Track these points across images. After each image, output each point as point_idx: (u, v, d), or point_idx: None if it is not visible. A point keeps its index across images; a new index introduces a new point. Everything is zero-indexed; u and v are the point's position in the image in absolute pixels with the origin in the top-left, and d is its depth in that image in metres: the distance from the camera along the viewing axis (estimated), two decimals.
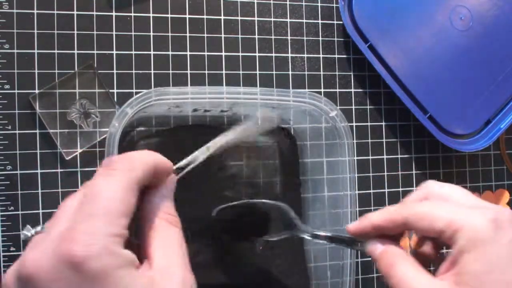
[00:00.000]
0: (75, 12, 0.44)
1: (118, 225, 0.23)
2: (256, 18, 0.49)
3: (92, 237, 0.22)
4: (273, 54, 0.49)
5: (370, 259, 0.50)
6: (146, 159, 0.26)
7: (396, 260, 0.30)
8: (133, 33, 0.45)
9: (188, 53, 0.47)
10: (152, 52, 0.46)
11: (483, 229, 0.28)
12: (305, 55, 0.50)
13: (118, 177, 0.24)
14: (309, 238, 0.41)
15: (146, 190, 0.27)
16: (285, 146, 0.48)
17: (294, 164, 0.48)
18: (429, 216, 0.30)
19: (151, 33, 0.46)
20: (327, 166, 0.46)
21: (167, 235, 0.26)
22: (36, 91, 0.42)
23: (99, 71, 0.44)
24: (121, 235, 0.23)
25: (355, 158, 0.51)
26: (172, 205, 0.28)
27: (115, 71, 0.45)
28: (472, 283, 0.27)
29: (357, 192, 0.51)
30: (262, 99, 0.40)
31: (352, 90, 0.51)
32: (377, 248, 0.32)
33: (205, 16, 0.47)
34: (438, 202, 0.31)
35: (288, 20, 0.50)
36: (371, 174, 0.51)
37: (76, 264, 0.21)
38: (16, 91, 0.42)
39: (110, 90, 0.44)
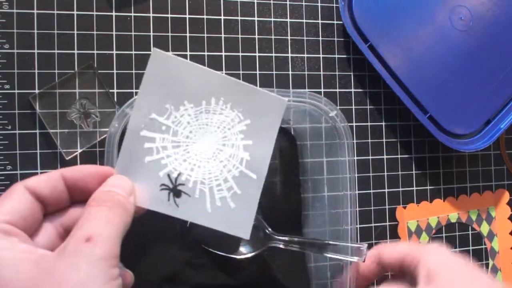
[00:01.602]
0: (75, 12, 0.44)
1: None
2: (256, 18, 0.49)
3: None
4: (273, 54, 0.49)
5: None
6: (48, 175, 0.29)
7: None
8: (133, 33, 0.45)
9: (188, 53, 0.47)
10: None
11: None
12: (305, 55, 0.50)
13: None
14: (282, 247, 0.40)
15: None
16: (285, 146, 0.48)
17: (294, 164, 0.48)
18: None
19: (151, 33, 0.46)
20: (327, 166, 0.46)
21: (93, 217, 0.27)
22: (36, 91, 0.42)
23: (99, 71, 0.44)
24: None
25: (355, 158, 0.51)
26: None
27: (115, 71, 0.45)
28: None
29: (357, 192, 0.51)
30: None
31: (352, 90, 0.51)
32: None
33: (205, 16, 0.47)
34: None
35: (288, 20, 0.50)
36: (371, 174, 0.51)
37: None
38: (16, 91, 0.42)
39: (110, 90, 0.44)
